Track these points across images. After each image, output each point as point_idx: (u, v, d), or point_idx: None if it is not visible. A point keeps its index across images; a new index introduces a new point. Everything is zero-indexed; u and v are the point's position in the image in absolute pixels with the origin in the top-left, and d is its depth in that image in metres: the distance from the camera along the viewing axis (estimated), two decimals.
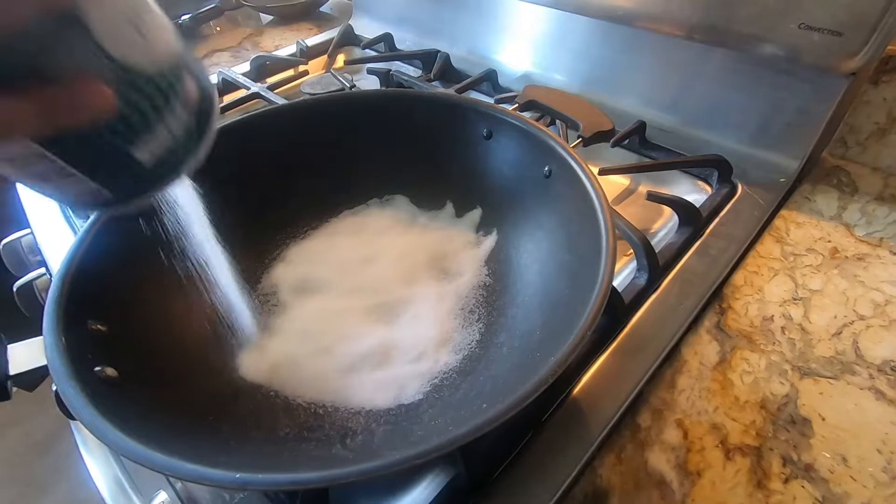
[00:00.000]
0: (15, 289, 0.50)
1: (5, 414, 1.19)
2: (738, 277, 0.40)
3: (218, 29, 0.89)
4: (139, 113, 0.18)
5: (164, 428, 0.24)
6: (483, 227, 0.40)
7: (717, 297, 0.38)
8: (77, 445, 0.51)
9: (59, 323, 0.24)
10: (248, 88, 0.63)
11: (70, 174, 0.18)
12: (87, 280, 0.28)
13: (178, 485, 0.31)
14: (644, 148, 0.52)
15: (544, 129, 0.35)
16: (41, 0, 0.14)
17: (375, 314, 0.35)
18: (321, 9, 0.91)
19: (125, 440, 0.20)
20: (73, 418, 0.40)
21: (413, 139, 0.42)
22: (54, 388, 0.37)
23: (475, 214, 0.40)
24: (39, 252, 0.53)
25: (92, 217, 0.31)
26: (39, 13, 0.14)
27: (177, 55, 0.19)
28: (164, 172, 0.20)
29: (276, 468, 0.22)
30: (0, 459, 1.15)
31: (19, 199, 0.53)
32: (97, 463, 0.46)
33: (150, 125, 0.18)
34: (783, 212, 0.45)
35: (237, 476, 0.18)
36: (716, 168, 0.47)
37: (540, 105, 0.44)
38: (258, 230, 0.40)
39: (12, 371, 0.23)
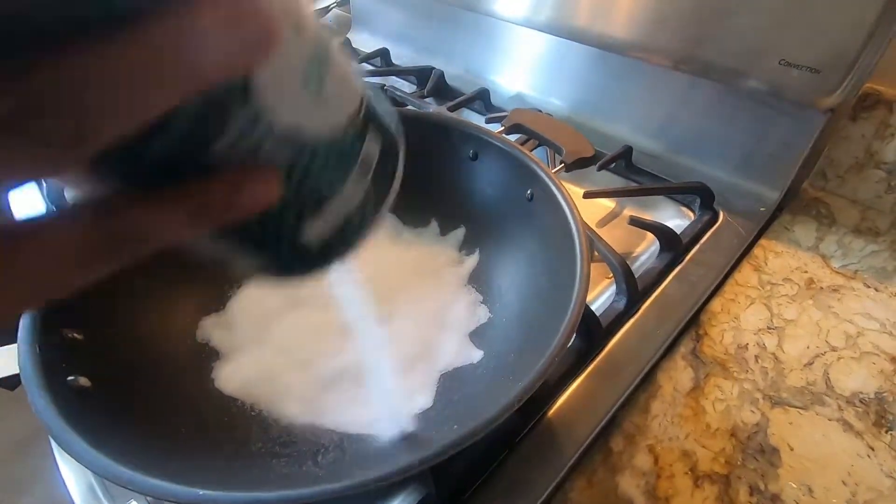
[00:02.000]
0: None
1: None
2: (716, 304, 0.40)
3: None
4: (310, 193, 0.14)
5: (135, 440, 0.24)
6: (466, 247, 0.40)
7: (693, 323, 0.39)
8: (52, 449, 0.51)
9: (34, 331, 0.24)
10: None
11: (231, 256, 0.15)
12: None
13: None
14: (630, 172, 0.53)
15: (528, 153, 0.36)
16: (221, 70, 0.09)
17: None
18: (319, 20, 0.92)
19: (91, 452, 0.20)
20: None
21: None
22: None
23: (459, 233, 0.41)
24: None
25: None
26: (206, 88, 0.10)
27: (357, 111, 0.15)
28: (337, 248, 0.16)
29: (245, 485, 0.22)
30: None
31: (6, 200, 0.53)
32: (71, 469, 0.46)
33: (321, 204, 0.14)
34: (762, 241, 0.46)
35: (200, 493, 0.19)
36: (698, 195, 0.48)
37: (525, 129, 0.44)
38: None
39: None
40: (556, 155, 0.44)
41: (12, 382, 0.34)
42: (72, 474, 0.47)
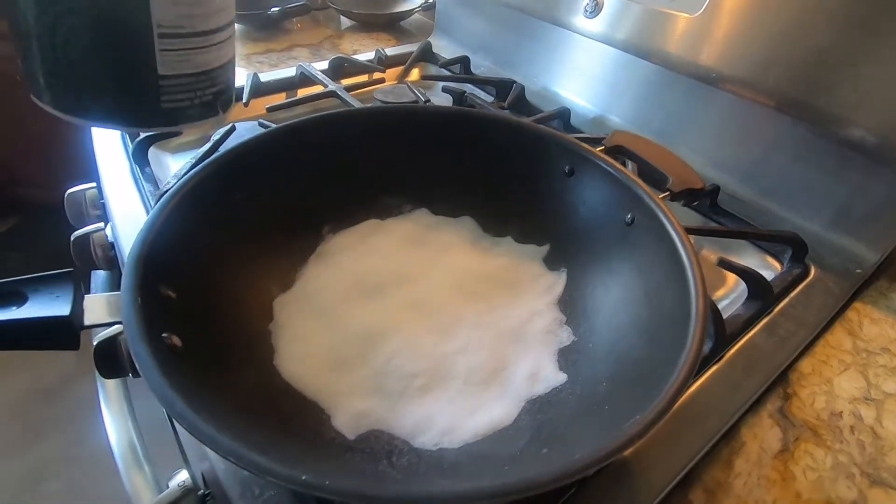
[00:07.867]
0: (72, 239, 0.51)
1: (18, 357, 1.20)
2: (806, 364, 0.38)
3: (299, 26, 0.91)
4: None
5: (218, 409, 0.23)
6: (550, 263, 0.39)
7: (782, 380, 0.36)
8: (97, 397, 0.51)
9: (137, 282, 0.24)
10: (325, 86, 0.65)
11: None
12: (165, 245, 0.28)
13: (205, 464, 0.30)
14: (712, 212, 0.51)
15: (633, 175, 0.35)
16: None
17: (431, 333, 0.34)
18: (401, 23, 0.93)
19: (191, 415, 0.19)
20: (110, 377, 0.40)
21: (489, 163, 0.42)
22: (95, 342, 0.37)
23: (543, 248, 0.39)
24: (102, 206, 0.54)
25: (174, 186, 0.31)
26: None
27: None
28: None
29: (328, 474, 0.21)
30: (2, 401, 1.16)
31: (93, 154, 0.55)
32: (115, 425, 0.46)
33: None
34: (857, 304, 0.43)
35: (303, 478, 0.18)
36: (790, 246, 0.45)
37: (628, 151, 0.43)
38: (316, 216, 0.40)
39: (87, 322, 0.23)
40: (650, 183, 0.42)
41: None
42: (115, 430, 0.47)
